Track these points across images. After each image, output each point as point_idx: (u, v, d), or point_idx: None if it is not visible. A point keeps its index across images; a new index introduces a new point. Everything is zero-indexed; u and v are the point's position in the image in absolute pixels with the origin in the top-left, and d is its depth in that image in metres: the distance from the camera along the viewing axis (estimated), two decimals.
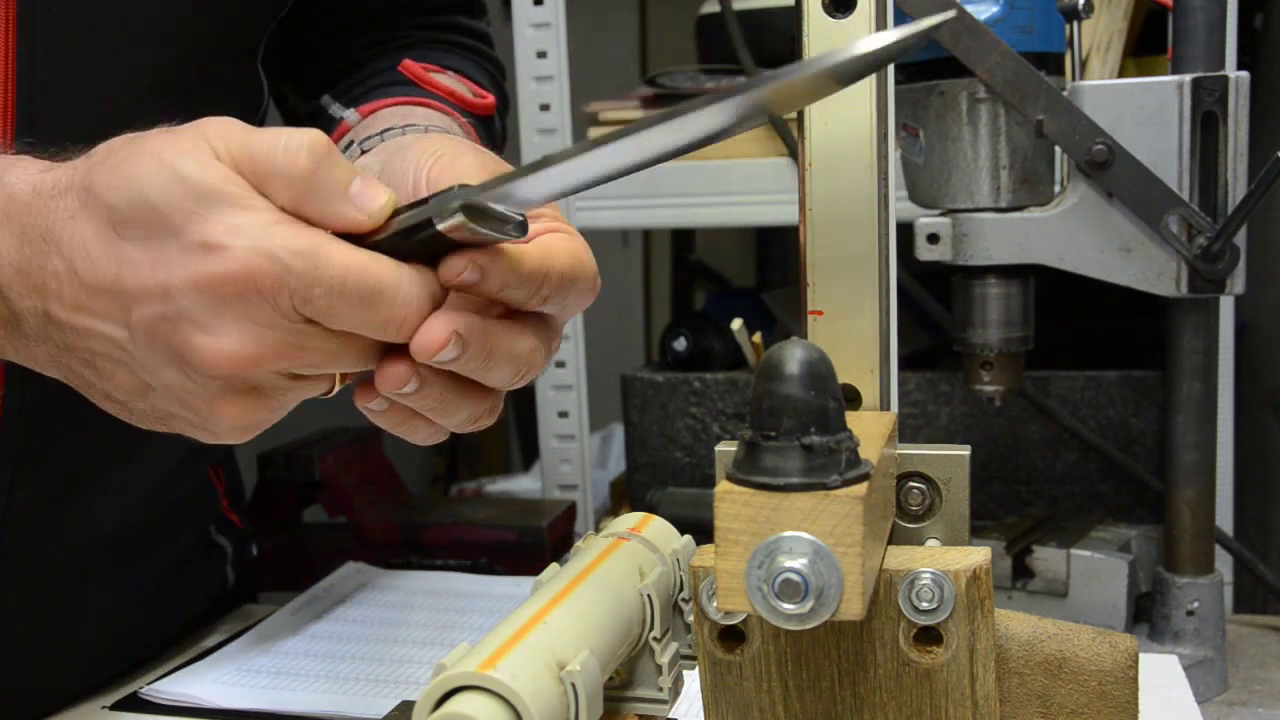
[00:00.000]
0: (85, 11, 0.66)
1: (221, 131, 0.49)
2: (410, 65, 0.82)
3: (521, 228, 0.49)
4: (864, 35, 0.51)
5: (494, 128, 0.87)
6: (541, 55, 1.18)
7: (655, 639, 0.51)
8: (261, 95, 0.80)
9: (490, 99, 0.85)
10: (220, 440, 0.53)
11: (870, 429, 0.48)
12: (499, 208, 0.48)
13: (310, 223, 0.48)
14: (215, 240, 0.47)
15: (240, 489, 0.98)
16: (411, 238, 0.49)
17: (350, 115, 0.78)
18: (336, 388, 0.54)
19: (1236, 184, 0.72)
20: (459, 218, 0.47)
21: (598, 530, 0.57)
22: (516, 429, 3.05)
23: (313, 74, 0.87)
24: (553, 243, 0.53)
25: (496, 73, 0.93)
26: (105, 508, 0.78)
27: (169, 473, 0.83)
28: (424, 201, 0.49)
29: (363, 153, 0.71)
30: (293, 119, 0.89)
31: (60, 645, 0.77)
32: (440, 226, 0.47)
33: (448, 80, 0.82)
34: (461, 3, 0.93)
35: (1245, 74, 0.72)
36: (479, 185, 0.48)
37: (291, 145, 0.48)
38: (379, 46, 0.88)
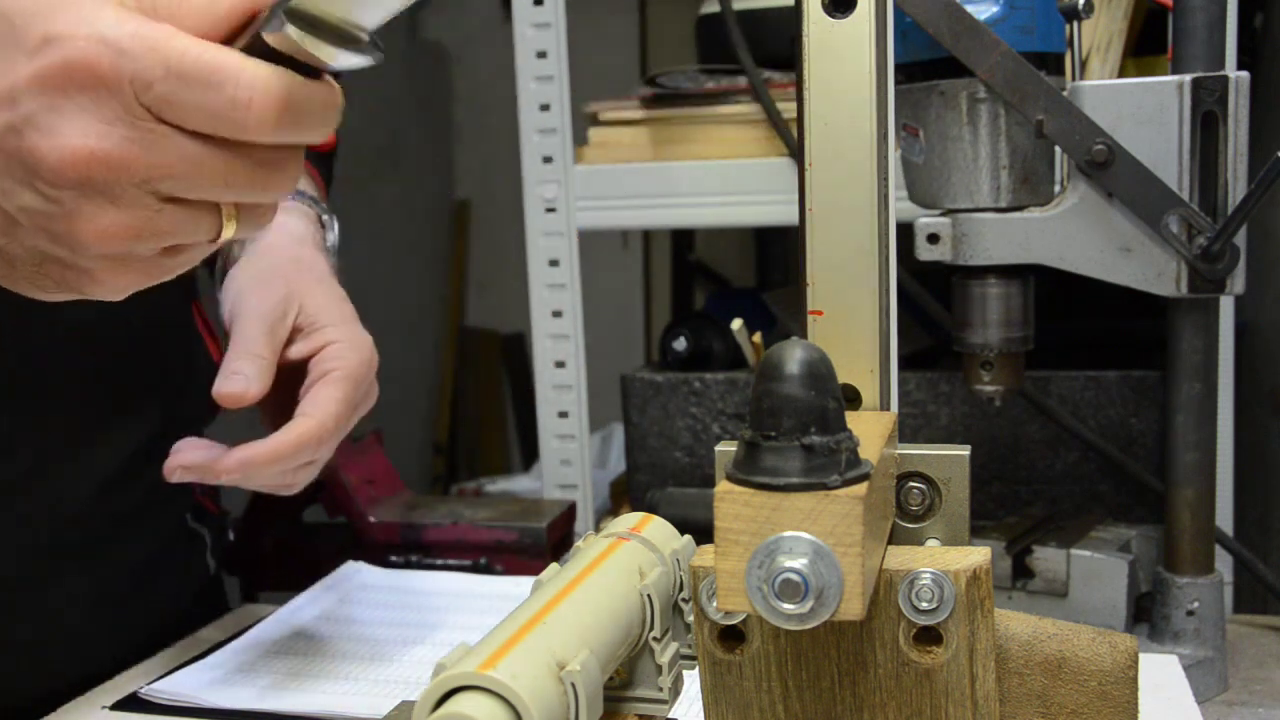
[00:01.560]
0: None
1: None
2: None
3: (373, 47, 0.47)
4: (864, 35, 0.51)
5: (329, 158, 0.93)
6: (541, 55, 1.18)
7: (655, 639, 0.51)
8: None
9: (332, 138, 0.88)
10: (104, 285, 0.51)
11: (870, 429, 0.48)
12: (338, 18, 0.46)
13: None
14: (56, 32, 0.45)
15: None
16: (253, 52, 0.46)
17: None
18: (227, 231, 0.51)
19: (1236, 184, 0.73)
20: (287, 28, 0.45)
21: (598, 530, 0.57)
22: (516, 429, 3.06)
23: None
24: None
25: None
26: (74, 493, 0.78)
27: (137, 459, 0.83)
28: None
29: None
30: None
31: (41, 632, 0.78)
32: (266, 36, 0.45)
33: None
34: None
35: (1245, 74, 0.72)
36: None
37: None
38: None
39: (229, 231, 0.51)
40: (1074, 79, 0.79)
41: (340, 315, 0.76)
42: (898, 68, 0.60)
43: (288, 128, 0.47)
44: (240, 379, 0.70)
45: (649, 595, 0.51)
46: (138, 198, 0.48)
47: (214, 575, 0.96)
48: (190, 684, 0.77)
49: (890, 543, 0.50)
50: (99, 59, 0.45)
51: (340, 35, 0.47)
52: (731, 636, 0.49)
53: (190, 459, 0.69)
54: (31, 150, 0.46)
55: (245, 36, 0.47)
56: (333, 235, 0.86)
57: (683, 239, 2.20)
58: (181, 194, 0.48)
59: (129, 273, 0.51)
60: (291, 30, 0.45)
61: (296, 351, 0.74)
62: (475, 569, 1.03)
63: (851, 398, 0.53)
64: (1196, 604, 0.78)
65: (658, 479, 1.11)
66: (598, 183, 1.17)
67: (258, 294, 0.74)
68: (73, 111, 0.46)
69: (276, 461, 0.69)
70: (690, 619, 0.54)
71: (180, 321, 0.91)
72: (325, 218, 0.86)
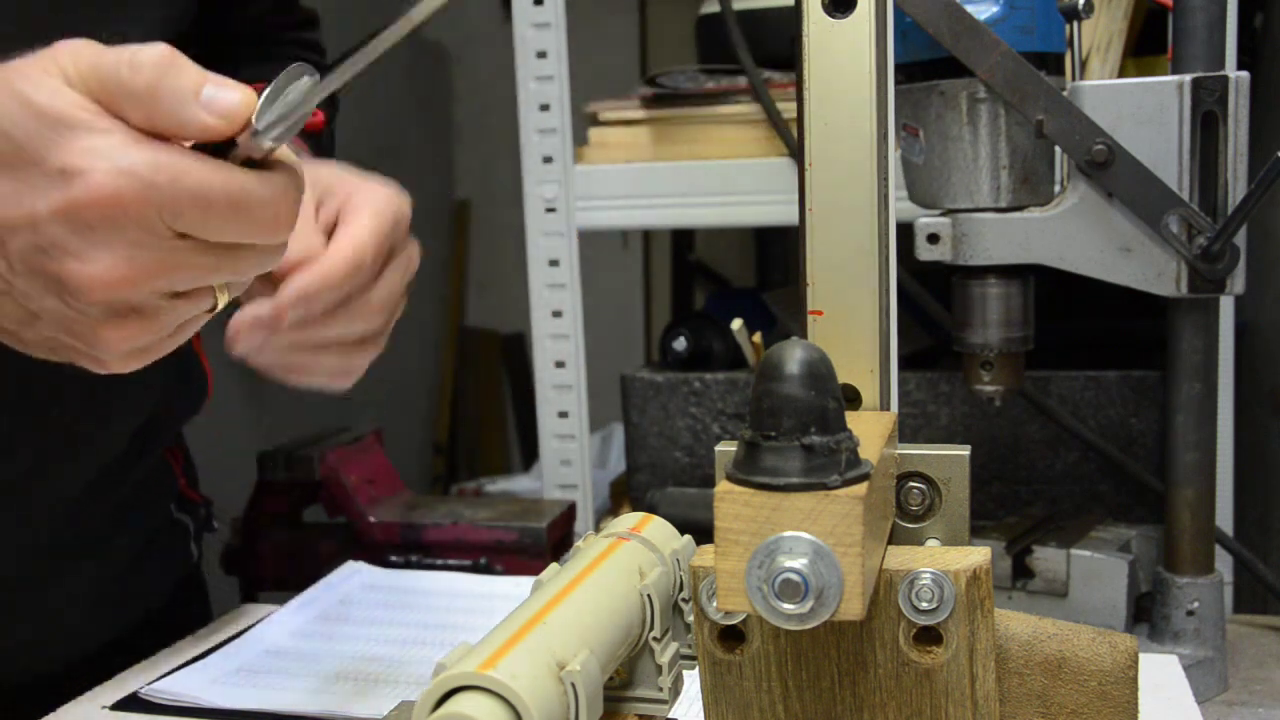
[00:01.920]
0: None
1: (72, 54, 0.48)
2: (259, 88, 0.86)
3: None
4: (864, 35, 0.51)
5: (322, 143, 0.93)
6: (541, 55, 1.18)
7: (655, 639, 0.51)
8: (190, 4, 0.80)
9: (320, 117, 0.89)
10: (113, 368, 0.53)
11: (870, 429, 0.48)
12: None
13: (167, 136, 0.48)
14: (73, 165, 0.46)
15: (194, 468, 0.98)
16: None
17: None
18: (220, 302, 0.54)
19: (1236, 184, 0.72)
20: (265, 142, 0.48)
21: (598, 530, 0.57)
22: (516, 429, 3.06)
23: None
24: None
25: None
26: (69, 490, 0.79)
27: (127, 456, 0.83)
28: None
29: None
30: None
31: (36, 627, 0.79)
32: (254, 154, 0.49)
33: None
34: (305, 19, 0.98)
35: (1245, 74, 0.72)
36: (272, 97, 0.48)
37: (136, 60, 0.47)
38: (239, 54, 0.91)
39: (222, 302, 0.54)
40: (1074, 79, 0.79)
41: (359, 178, 0.73)
42: (898, 68, 0.60)
43: (297, 209, 0.50)
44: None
45: (649, 595, 0.51)
46: (153, 299, 0.50)
47: (196, 562, 0.97)
48: (190, 684, 0.77)
49: (890, 543, 0.50)
50: (124, 192, 0.46)
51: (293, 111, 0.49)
52: (731, 636, 0.49)
53: (245, 319, 0.64)
54: (60, 270, 0.48)
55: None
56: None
57: (683, 239, 2.20)
58: (194, 287, 0.51)
59: (139, 358, 0.53)
60: (268, 143, 0.48)
61: (322, 219, 0.71)
62: (475, 569, 1.03)
63: (851, 398, 0.53)
64: (1196, 604, 0.78)
65: (658, 479, 1.11)
66: (598, 183, 1.17)
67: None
68: (100, 240, 0.47)
69: (331, 283, 0.64)
70: (690, 619, 0.54)
71: None
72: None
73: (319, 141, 0.93)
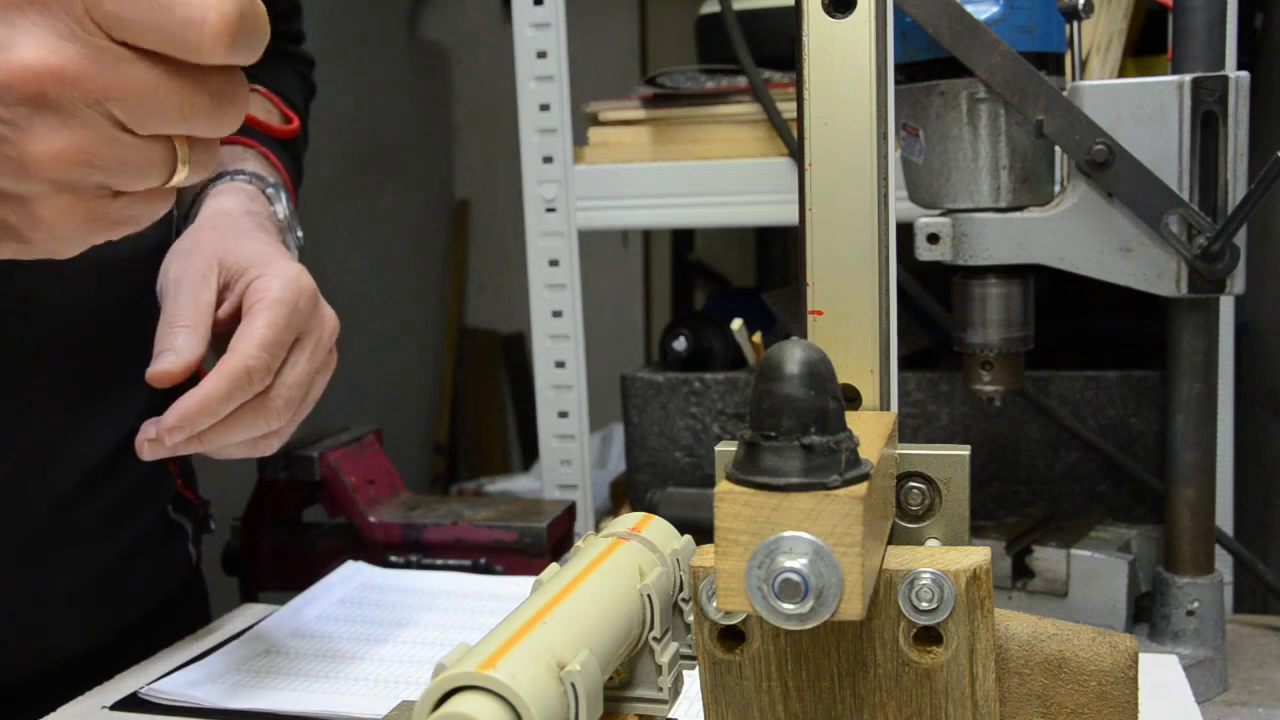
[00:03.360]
0: None
1: None
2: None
3: None
4: (864, 35, 0.51)
5: (296, 148, 0.94)
6: (541, 55, 1.18)
7: (655, 639, 0.51)
8: None
9: (295, 124, 0.91)
10: (41, 227, 0.49)
11: (870, 429, 0.48)
12: None
13: None
14: None
15: (192, 469, 0.99)
16: None
17: None
18: (179, 172, 0.50)
19: (1236, 184, 0.73)
20: None
21: (598, 530, 0.57)
22: (516, 429, 3.06)
23: None
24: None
25: (308, 71, 0.99)
26: (62, 489, 0.79)
27: (120, 453, 0.83)
28: None
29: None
30: None
31: (26, 623, 0.79)
32: None
33: (257, 109, 0.89)
34: (289, 9, 0.98)
35: (1245, 74, 0.72)
36: None
37: None
38: None
39: (182, 174, 0.50)
40: (1074, 79, 0.79)
41: (266, 257, 0.74)
42: (898, 68, 0.60)
43: (238, 42, 0.46)
44: (169, 356, 0.69)
45: (649, 595, 0.51)
46: (91, 119, 0.46)
47: (195, 565, 0.97)
48: (190, 684, 0.77)
49: (890, 543, 0.50)
50: None
51: None
52: (731, 636, 0.49)
53: (144, 434, 0.69)
54: None
55: None
56: (281, 207, 0.85)
57: (683, 239, 2.21)
58: (135, 122, 0.47)
59: (75, 212, 0.49)
60: None
61: (227, 308, 0.73)
62: (475, 569, 1.03)
63: (851, 398, 0.53)
64: (1196, 604, 0.78)
65: (658, 479, 1.11)
66: (598, 183, 1.17)
67: (177, 266, 0.74)
68: (24, 25, 0.45)
69: (210, 408, 0.67)
70: (690, 619, 0.54)
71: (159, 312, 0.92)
72: (269, 191, 0.85)
73: (292, 147, 0.94)
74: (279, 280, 0.72)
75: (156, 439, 0.68)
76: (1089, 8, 0.76)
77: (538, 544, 1.04)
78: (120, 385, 0.83)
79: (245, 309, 0.72)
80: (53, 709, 0.75)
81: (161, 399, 0.87)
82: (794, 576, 0.39)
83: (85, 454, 0.80)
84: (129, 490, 0.85)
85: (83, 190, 0.48)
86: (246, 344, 0.69)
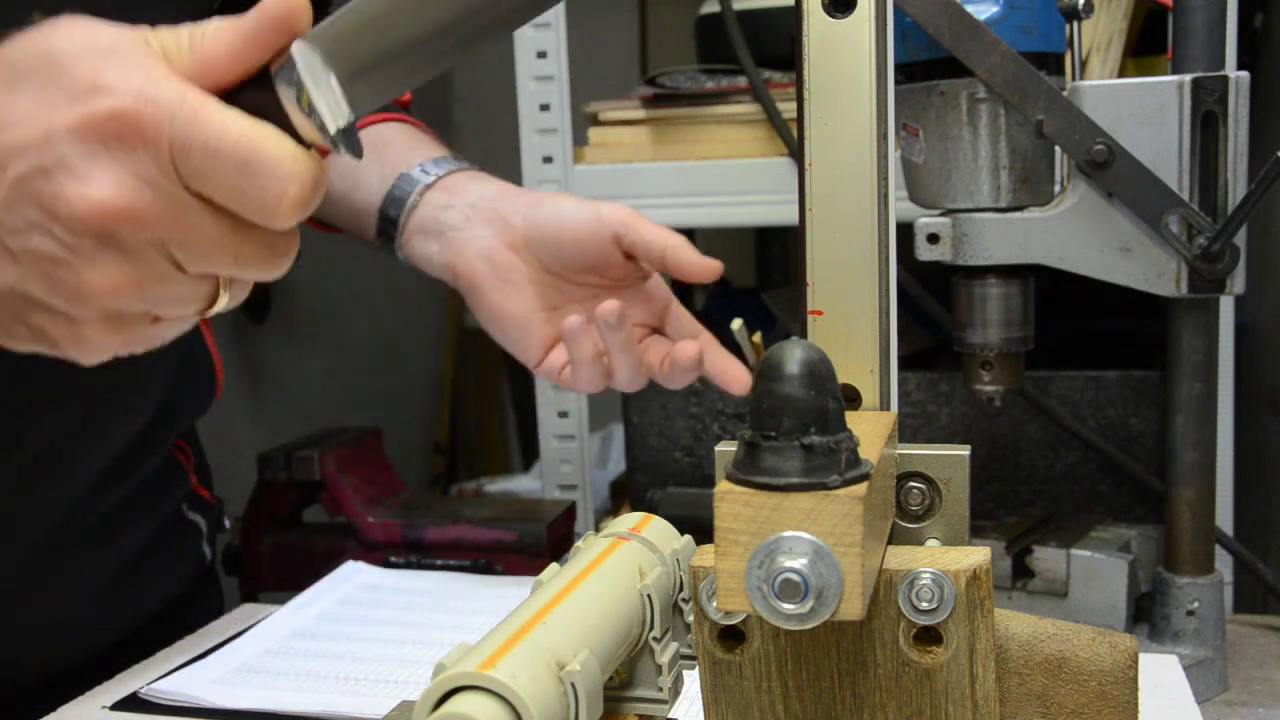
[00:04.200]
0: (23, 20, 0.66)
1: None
2: None
3: (349, 140, 0.49)
4: (864, 35, 0.51)
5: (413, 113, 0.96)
6: (541, 55, 1.18)
7: (655, 639, 0.51)
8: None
9: (407, 94, 0.93)
10: (83, 345, 0.51)
11: (870, 429, 0.48)
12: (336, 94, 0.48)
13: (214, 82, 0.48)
14: (104, 83, 0.46)
15: (206, 467, 0.99)
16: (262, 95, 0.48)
17: None
18: (219, 302, 0.52)
19: (1236, 184, 0.72)
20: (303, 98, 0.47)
21: (598, 530, 0.57)
22: (516, 429, 3.05)
23: None
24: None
25: None
26: (77, 486, 0.79)
27: (135, 450, 0.83)
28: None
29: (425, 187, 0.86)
30: None
31: (42, 623, 0.79)
32: (287, 106, 0.48)
33: None
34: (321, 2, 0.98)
35: (1245, 74, 0.72)
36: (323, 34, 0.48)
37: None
38: None
39: (221, 304, 0.52)
40: (1074, 79, 0.79)
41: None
42: (898, 68, 0.60)
43: (304, 210, 0.48)
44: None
45: (649, 595, 0.51)
46: (151, 258, 0.48)
47: (209, 563, 0.97)
48: (190, 684, 0.77)
49: (890, 543, 0.50)
50: (144, 116, 0.45)
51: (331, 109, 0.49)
52: (731, 636, 0.49)
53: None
54: (57, 194, 0.46)
55: (252, 88, 0.48)
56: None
57: None
58: (191, 264, 0.49)
59: (115, 335, 0.51)
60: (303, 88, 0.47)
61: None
62: (475, 569, 1.03)
63: (851, 398, 0.53)
64: (1196, 604, 0.78)
65: (658, 479, 1.11)
66: (598, 183, 1.17)
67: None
68: (109, 162, 0.46)
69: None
70: (690, 619, 0.54)
71: None
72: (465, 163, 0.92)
73: (410, 111, 0.95)
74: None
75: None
76: (1089, 8, 0.76)
77: (538, 544, 1.04)
78: (135, 384, 0.83)
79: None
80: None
81: (175, 398, 0.87)
82: (794, 576, 0.39)
83: (101, 453, 0.80)
84: (144, 488, 0.85)
85: (127, 317, 0.50)
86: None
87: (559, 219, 0.82)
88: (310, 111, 0.48)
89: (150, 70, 0.46)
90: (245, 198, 0.47)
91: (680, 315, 0.86)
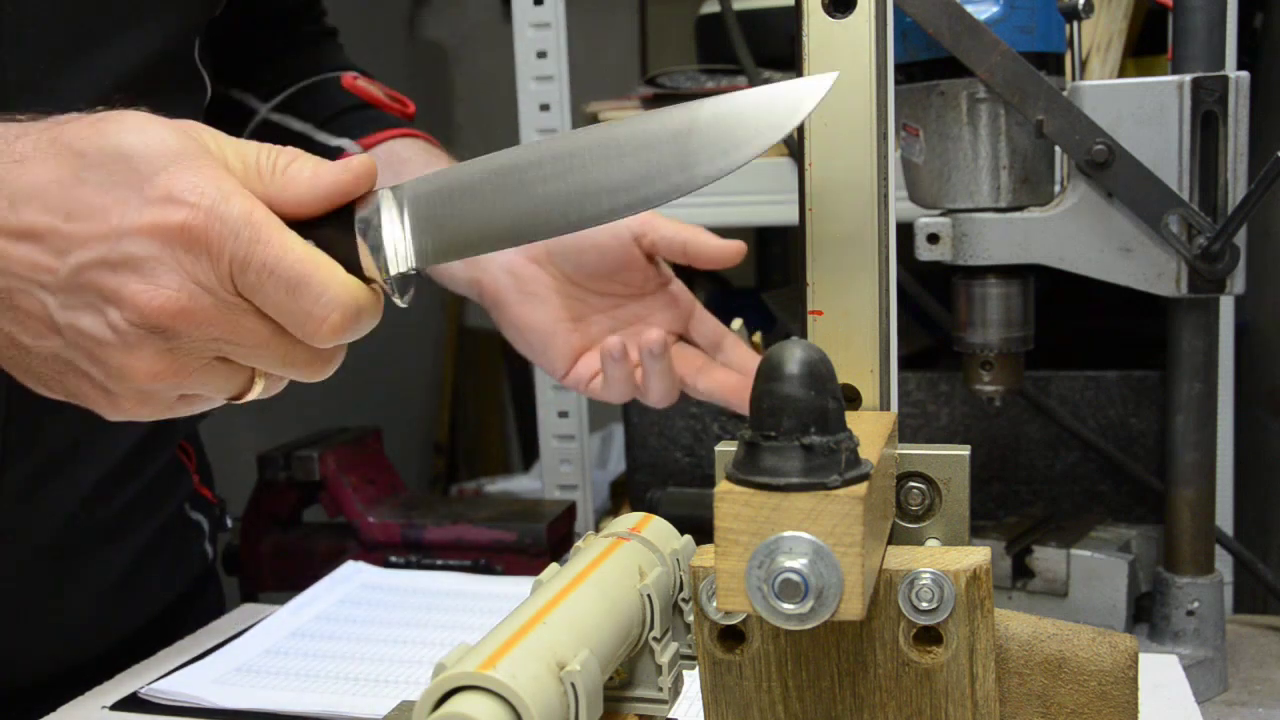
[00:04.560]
0: (41, 18, 0.68)
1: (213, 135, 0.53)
2: (358, 85, 0.92)
3: (403, 286, 0.53)
4: (864, 35, 0.51)
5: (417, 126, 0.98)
6: (541, 55, 1.18)
7: (655, 639, 0.51)
8: (204, 91, 0.83)
9: (411, 106, 0.96)
10: (118, 405, 0.53)
11: (870, 429, 0.48)
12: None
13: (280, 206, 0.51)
14: (180, 195, 0.49)
15: (208, 467, 0.99)
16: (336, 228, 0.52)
17: (349, 145, 0.88)
18: (251, 392, 0.55)
19: (1236, 184, 0.72)
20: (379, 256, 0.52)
21: (598, 530, 0.57)
22: (516, 429, 3.05)
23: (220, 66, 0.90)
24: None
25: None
26: (84, 487, 0.79)
27: (140, 451, 0.84)
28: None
29: None
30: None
31: (49, 623, 0.79)
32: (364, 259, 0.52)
33: (376, 91, 0.93)
34: (321, 10, 1.02)
35: (1245, 74, 0.72)
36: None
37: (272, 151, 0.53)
38: (282, 42, 0.96)
39: (254, 393, 0.55)
40: (1074, 79, 0.79)
41: None
42: (898, 68, 0.60)
43: (347, 336, 0.52)
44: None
45: (649, 595, 0.51)
46: (196, 351, 0.51)
47: (211, 562, 0.97)
48: (191, 684, 0.77)
49: (890, 543, 0.50)
50: (210, 231, 0.49)
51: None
52: (731, 636, 0.49)
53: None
54: (120, 287, 0.49)
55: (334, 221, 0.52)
56: None
57: None
58: (238, 359, 0.52)
59: (145, 407, 0.54)
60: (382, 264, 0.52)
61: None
62: (475, 569, 1.03)
63: (851, 398, 0.53)
64: (1196, 604, 0.78)
65: (658, 479, 1.11)
66: None
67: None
68: (173, 266, 0.49)
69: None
70: (690, 619, 0.54)
71: None
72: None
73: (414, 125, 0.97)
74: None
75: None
76: (1089, 8, 0.76)
77: (538, 544, 1.04)
78: None
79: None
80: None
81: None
82: (794, 576, 0.39)
83: (108, 454, 0.80)
84: (148, 488, 0.85)
85: (163, 397, 0.53)
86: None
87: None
88: (376, 251, 0.52)
89: (221, 184, 0.50)
90: (291, 316, 0.50)
91: (705, 320, 0.86)
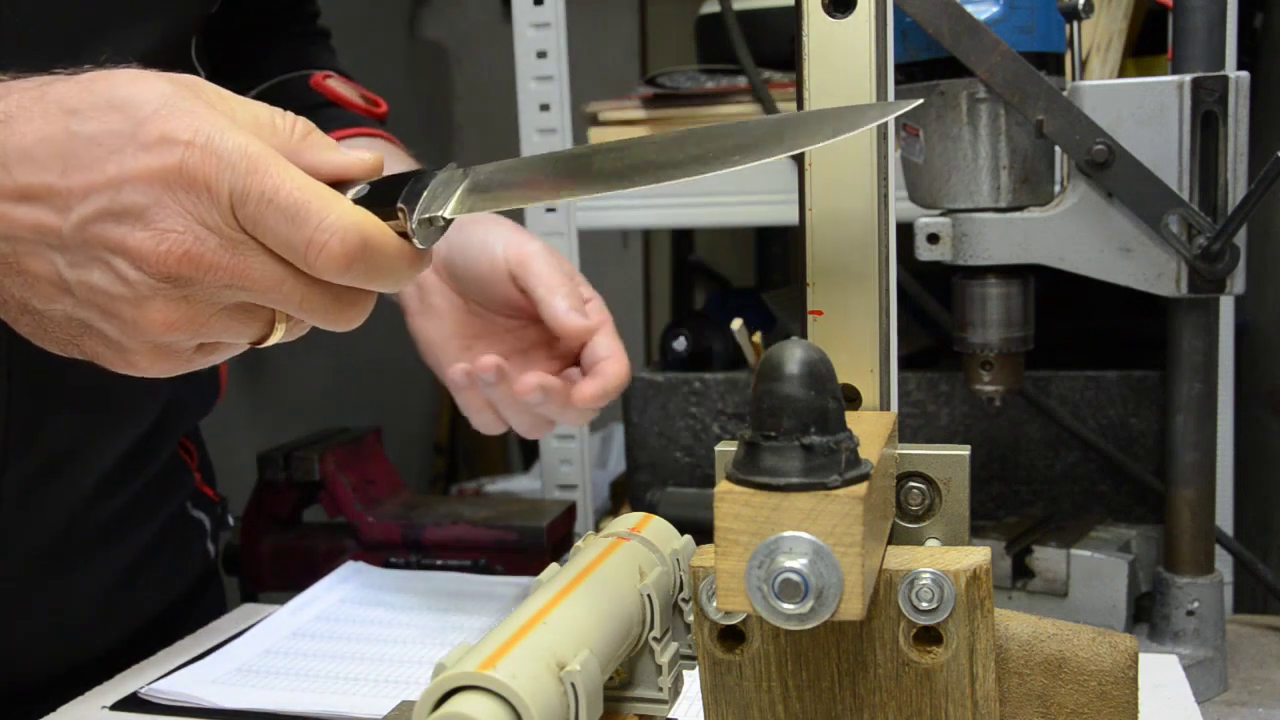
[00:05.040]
0: (40, 17, 0.68)
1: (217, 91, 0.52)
2: (325, 85, 0.92)
3: (427, 231, 0.52)
4: (864, 35, 0.51)
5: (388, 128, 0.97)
6: (541, 55, 1.18)
7: (655, 639, 0.51)
8: None
9: (383, 106, 0.95)
10: (136, 363, 0.53)
11: (870, 429, 0.48)
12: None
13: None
14: (173, 135, 0.48)
15: (210, 465, 0.99)
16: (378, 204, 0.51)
17: None
18: (273, 336, 0.54)
19: (1236, 184, 0.72)
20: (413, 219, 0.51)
21: (598, 530, 0.57)
22: None
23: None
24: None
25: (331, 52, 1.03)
26: (85, 486, 0.79)
27: (141, 450, 0.84)
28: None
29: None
30: None
31: (50, 623, 0.79)
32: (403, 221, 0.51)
33: (346, 91, 0.92)
34: (314, 10, 1.02)
35: (1245, 74, 0.72)
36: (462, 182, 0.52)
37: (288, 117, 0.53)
38: (267, 41, 0.96)
39: (274, 338, 0.54)
40: (1074, 79, 0.79)
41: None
42: (898, 68, 0.60)
43: (358, 275, 0.50)
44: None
45: (649, 595, 0.51)
46: (210, 299, 0.51)
47: (213, 560, 0.97)
48: (191, 684, 0.77)
49: (890, 543, 0.50)
50: (207, 166, 0.48)
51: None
52: (731, 636, 0.49)
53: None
54: (125, 236, 0.49)
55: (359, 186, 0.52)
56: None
57: (683, 239, 2.20)
58: (255, 300, 0.51)
59: (164, 361, 0.53)
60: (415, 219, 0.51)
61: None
62: (475, 569, 1.03)
63: (851, 398, 0.53)
64: (1196, 604, 0.78)
65: (658, 479, 1.11)
66: None
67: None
68: (175, 210, 0.49)
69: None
70: (690, 619, 0.54)
71: None
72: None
73: (385, 126, 0.96)
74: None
75: (573, 405, 0.77)
76: (1089, 8, 0.76)
77: (538, 544, 1.04)
78: (143, 385, 0.84)
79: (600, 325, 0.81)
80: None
81: (181, 399, 0.87)
82: (794, 576, 0.39)
83: (108, 453, 0.81)
84: (150, 487, 0.86)
85: (180, 348, 0.53)
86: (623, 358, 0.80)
87: (466, 251, 0.81)
88: (413, 202, 0.51)
89: (215, 121, 0.49)
90: (293, 247, 0.49)
91: (599, 345, 0.80)
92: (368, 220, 0.50)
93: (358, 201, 0.51)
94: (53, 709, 0.74)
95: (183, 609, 0.91)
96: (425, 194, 0.51)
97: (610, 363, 0.78)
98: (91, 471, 0.79)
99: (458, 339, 0.82)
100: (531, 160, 0.53)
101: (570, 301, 0.79)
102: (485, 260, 0.80)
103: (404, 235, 0.51)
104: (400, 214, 0.51)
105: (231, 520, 1.00)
